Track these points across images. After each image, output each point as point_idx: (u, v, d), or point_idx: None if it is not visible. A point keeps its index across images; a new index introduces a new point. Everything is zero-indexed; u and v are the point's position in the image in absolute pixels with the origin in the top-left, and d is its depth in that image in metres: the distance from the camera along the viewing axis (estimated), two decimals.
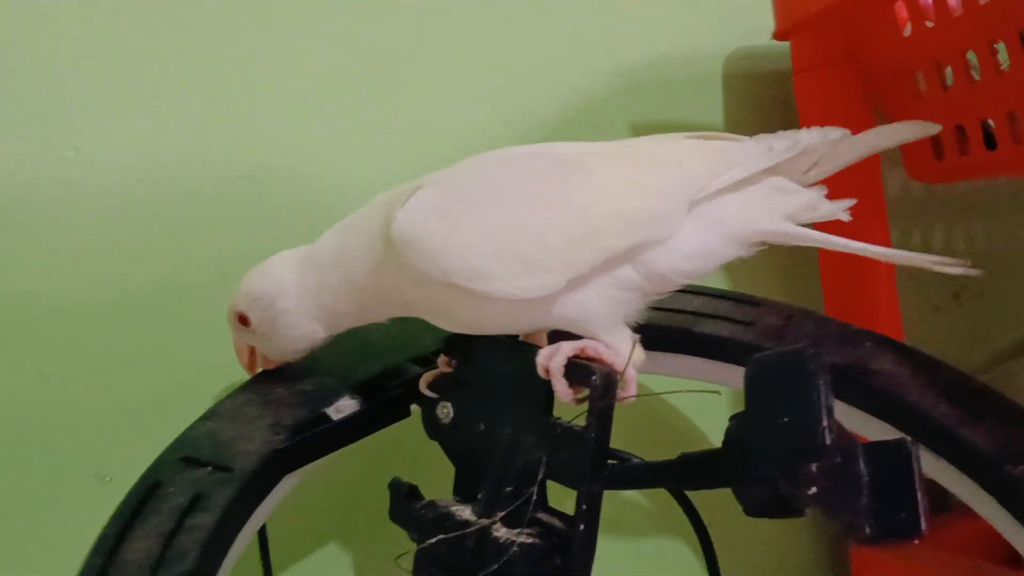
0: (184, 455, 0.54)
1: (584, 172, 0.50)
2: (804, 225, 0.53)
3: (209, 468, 0.53)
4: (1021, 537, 0.55)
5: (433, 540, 0.50)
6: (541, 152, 0.53)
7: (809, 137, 0.54)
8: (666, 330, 0.65)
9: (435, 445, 0.56)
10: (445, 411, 0.55)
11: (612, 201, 0.49)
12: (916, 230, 0.95)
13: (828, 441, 0.37)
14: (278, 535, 0.67)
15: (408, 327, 0.65)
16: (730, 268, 0.83)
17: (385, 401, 0.60)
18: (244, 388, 0.60)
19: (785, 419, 0.38)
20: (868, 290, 0.82)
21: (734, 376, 0.65)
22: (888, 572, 0.75)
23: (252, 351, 0.60)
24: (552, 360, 0.49)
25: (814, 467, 0.39)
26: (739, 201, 0.52)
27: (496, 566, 0.47)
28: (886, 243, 0.83)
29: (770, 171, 0.53)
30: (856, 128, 0.57)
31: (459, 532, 0.49)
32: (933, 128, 0.61)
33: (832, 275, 0.83)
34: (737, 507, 0.44)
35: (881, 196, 0.83)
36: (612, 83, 0.84)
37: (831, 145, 0.54)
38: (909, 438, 0.44)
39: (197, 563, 0.48)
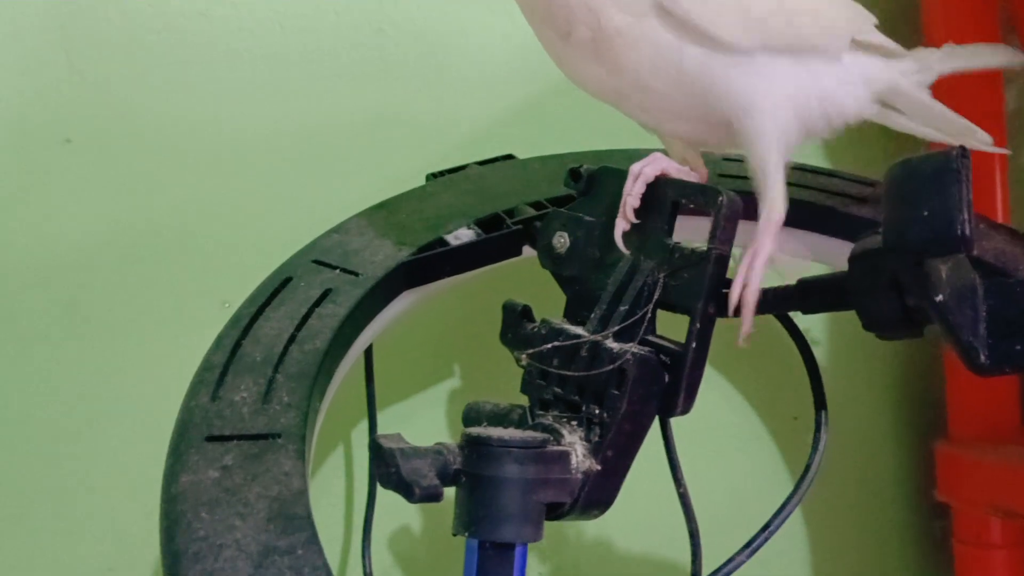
0: (315, 258, 0.57)
1: None
2: None
3: (338, 271, 0.56)
4: None
5: (548, 346, 0.52)
6: None
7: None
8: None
9: (543, 292, 0.58)
10: (562, 240, 0.57)
11: None
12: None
13: (967, 231, 0.38)
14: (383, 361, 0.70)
15: (527, 175, 0.67)
16: None
17: (499, 237, 0.62)
18: (371, 210, 0.63)
19: (926, 213, 0.39)
20: None
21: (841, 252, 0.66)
22: None
23: None
24: (746, 294, 0.50)
25: (944, 269, 0.40)
26: (871, 56, 0.56)
27: (609, 369, 0.49)
28: (1003, 157, 0.82)
29: None
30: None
31: (573, 342, 0.51)
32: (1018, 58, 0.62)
33: None
34: None
35: (1001, 108, 0.82)
36: None
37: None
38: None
39: (328, 344, 0.51)
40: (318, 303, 0.54)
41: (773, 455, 0.86)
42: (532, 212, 0.63)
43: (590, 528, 0.80)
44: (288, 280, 0.56)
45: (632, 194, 0.53)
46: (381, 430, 0.76)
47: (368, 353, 0.66)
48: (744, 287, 0.50)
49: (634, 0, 0.49)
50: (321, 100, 0.76)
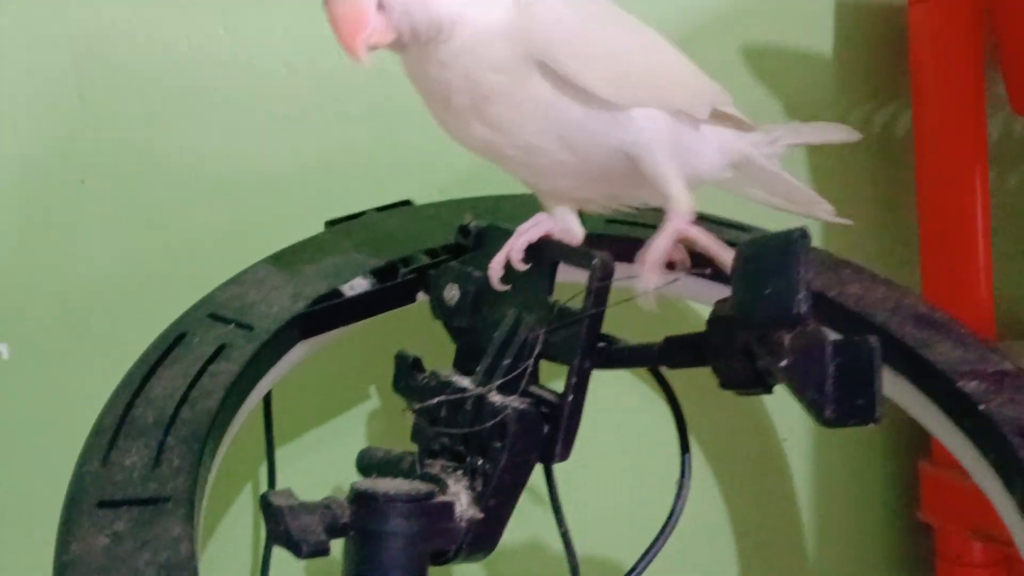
0: (210, 312, 0.59)
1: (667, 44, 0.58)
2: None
3: (233, 325, 0.58)
4: (966, 451, 0.60)
5: (435, 401, 0.54)
6: None
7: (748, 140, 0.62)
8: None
9: (434, 334, 0.61)
10: (452, 293, 0.60)
11: (688, 67, 0.59)
12: (1014, 172, 0.97)
13: (803, 310, 0.42)
14: (281, 407, 0.72)
15: (424, 222, 0.70)
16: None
17: (395, 285, 0.64)
18: (270, 259, 0.65)
19: (768, 291, 0.43)
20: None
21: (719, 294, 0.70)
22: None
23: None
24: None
25: (788, 339, 0.44)
26: (725, 128, 0.61)
27: (491, 424, 0.52)
28: (984, 182, 0.84)
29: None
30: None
31: (458, 396, 0.54)
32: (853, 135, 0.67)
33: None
34: None
35: (984, 136, 0.84)
36: (723, 8, 0.86)
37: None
38: (874, 336, 0.49)
39: (220, 403, 0.53)
40: (211, 360, 0.55)
41: (763, 475, 0.90)
42: (427, 260, 0.66)
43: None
44: (182, 336, 0.57)
45: (515, 249, 0.56)
46: (289, 460, 0.78)
47: (267, 400, 0.68)
48: (649, 250, 0.53)
49: (513, 62, 0.52)
50: (328, 136, 0.78)
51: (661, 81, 0.56)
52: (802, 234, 0.44)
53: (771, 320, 0.43)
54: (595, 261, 0.53)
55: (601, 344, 0.55)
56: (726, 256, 0.53)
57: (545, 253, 0.55)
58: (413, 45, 0.51)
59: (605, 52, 0.54)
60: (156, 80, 0.75)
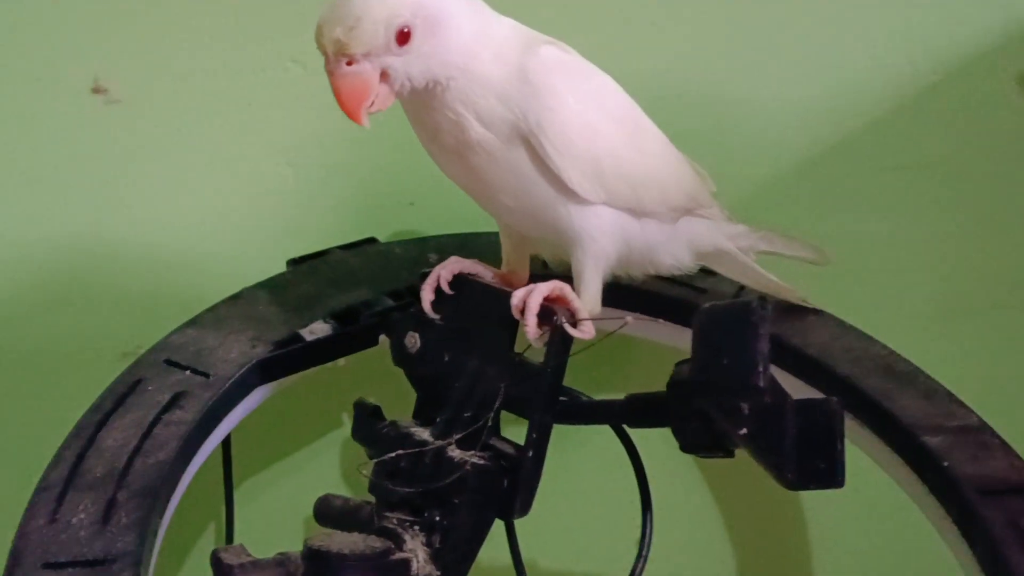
0: (167, 358, 0.58)
1: (657, 140, 0.59)
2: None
3: (189, 371, 0.57)
4: (928, 502, 0.60)
5: (393, 454, 0.53)
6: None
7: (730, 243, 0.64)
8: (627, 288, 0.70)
9: (398, 377, 0.60)
10: (413, 341, 0.59)
11: (671, 169, 0.59)
12: None
13: (761, 383, 0.42)
14: (240, 450, 0.71)
15: (388, 262, 0.69)
16: None
17: (356, 329, 0.63)
18: (229, 300, 0.64)
19: (726, 361, 0.43)
20: None
21: (681, 337, 0.70)
22: None
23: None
24: (530, 298, 0.53)
25: (746, 407, 0.44)
26: (704, 221, 0.63)
27: (449, 480, 0.51)
28: None
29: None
30: None
31: (417, 449, 0.53)
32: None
33: None
34: None
35: None
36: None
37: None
38: (836, 398, 0.49)
39: (174, 454, 0.52)
40: (167, 409, 0.54)
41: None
42: (390, 303, 0.65)
43: None
44: (138, 383, 0.56)
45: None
46: (250, 494, 0.77)
47: (226, 444, 0.67)
48: (528, 296, 0.53)
49: (500, 123, 0.52)
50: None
51: (640, 187, 0.57)
52: (761, 305, 0.43)
53: (729, 391, 0.43)
54: (556, 318, 0.52)
55: (563, 398, 0.55)
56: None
57: (505, 305, 0.54)
58: (409, 97, 0.52)
59: (592, 149, 0.54)
60: None
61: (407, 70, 0.49)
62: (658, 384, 0.51)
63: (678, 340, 0.70)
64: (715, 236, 0.63)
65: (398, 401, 0.61)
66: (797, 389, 0.65)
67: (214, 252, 0.75)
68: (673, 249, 0.61)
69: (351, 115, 0.49)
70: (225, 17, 0.73)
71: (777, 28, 0.79)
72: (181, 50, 0.73)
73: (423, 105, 0.52)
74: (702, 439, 0.47)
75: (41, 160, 0.74)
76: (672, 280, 0.70)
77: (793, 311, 0.69)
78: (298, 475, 0.79)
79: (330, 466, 0.79)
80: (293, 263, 0.70)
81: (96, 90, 0.72)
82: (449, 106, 0.51)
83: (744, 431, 0.45)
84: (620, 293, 0.63)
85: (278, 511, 0.77)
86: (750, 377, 0.42)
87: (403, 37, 0.48)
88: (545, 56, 0.53)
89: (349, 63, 0.48)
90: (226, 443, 0.67)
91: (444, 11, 0.50)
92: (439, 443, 0.54)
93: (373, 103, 0.49)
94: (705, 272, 0.71)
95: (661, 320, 0.69)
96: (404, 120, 0.56)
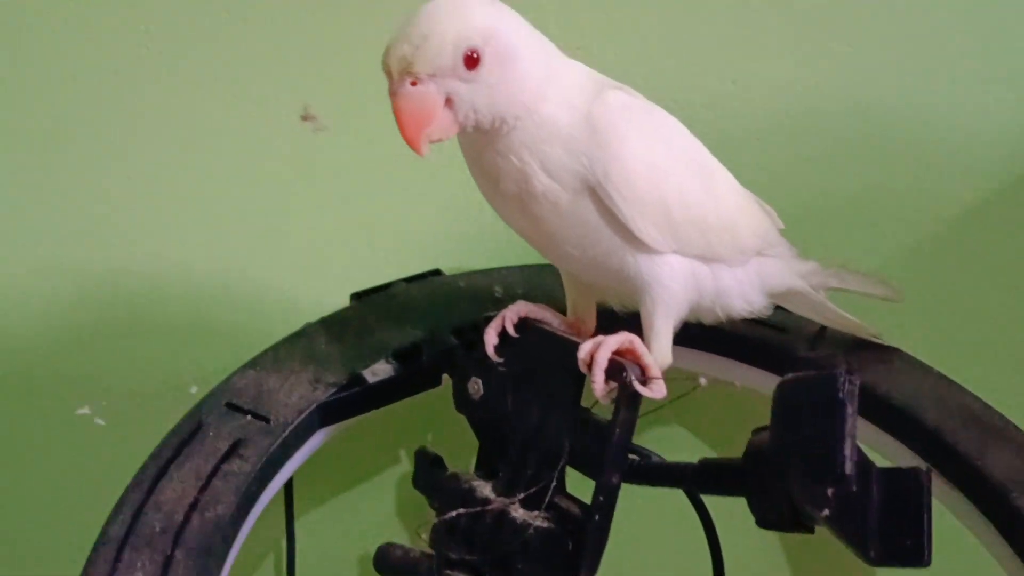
0: (228, 401, 0.57)
1: (727, 182, 0.57)
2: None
3: (249, 416, 0.56)
4: (1017, 567, 0.56)
5: (453, 513, 0.52)
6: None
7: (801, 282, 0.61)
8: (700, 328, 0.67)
9: (460, 416, 0.59)
10: (476, 387, 0.57)
11: (743, 213, 0.57)
12: None
13: (848, 471, 0.39)
14: (304, 488, 0.70)
15: (453, 296, 0.67)
16: None
17: (419, 370, 0.62)
18: (290, 339, 0.63)
19: (808, 443, 0.40)
20: None
21: (761, 380, 0.66)
22: None
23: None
24: (598, 353, 0.51)
25: (830, 491, 0.41)
26: (775, 260, 0.60)
27: (512, 545, 0.49)
28: None
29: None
30: None
31: (479, 508, 0.52)
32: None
33: None
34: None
35: None
36: None
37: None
38: (925, 467, 0.46)
39: (232, 509, 0.51)
40: (225, 458, 0.53)
41: None
42: (453, 341, 0.63)
43: None
44: (198, 428, 0.55)
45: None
46: (310, 527, 0.77)
47: (288, 488, 0.66)
48: (596, 349, 0.51)
49: (565, 172, 0.50)
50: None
51: (710, 232, 0.54)
52: (849, 379, 0.40)
53: (811, 476, 0.40)
54: (625, 374, 0.49)
55: (632, 457, 0.52)
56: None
57: (572, 360, 0.52)
58: (472, 134, 0.49)
59: (661, 196, 0.51)
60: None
61: (473, 99, 0.47)
62: (735, 432, 0.48)
63: (758, 383, 0.67)
64: (786, 275, 0.60)
65: (460, 442, 0.59)
66: (878, 440, 0.62)
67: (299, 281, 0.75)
68: (745, 292, 0.58)
69: (410, 141, 0.47)
70: None
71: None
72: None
73: (486, 147, 0.50)
74: (780, 517, 0.45)
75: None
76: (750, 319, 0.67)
77: (873, 353, 0.65)
78: (357, 512, 0.78)
79: (388, 503, 0.78)
80: (356, 297, 0.68)
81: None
82: (514, 151, 0.49)
83: (826, 512, 0.42)
84: (693, 333, 0.61)
85: (335, 547, 0.76)
86: (836, 464, 0.39)
87: (471, 61, 0.46)
88: (611, 101, 0.50)
89: (413, 83, 0.46)
90: (288, 484, 0.66)
91: (516, 46, 0.48)
92: (501, 502, 0.52)
93: (434, 130, 0.47)
94: (783, 309, 0.68)
95: (740, 362, 0.67)
96: None
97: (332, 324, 0.65)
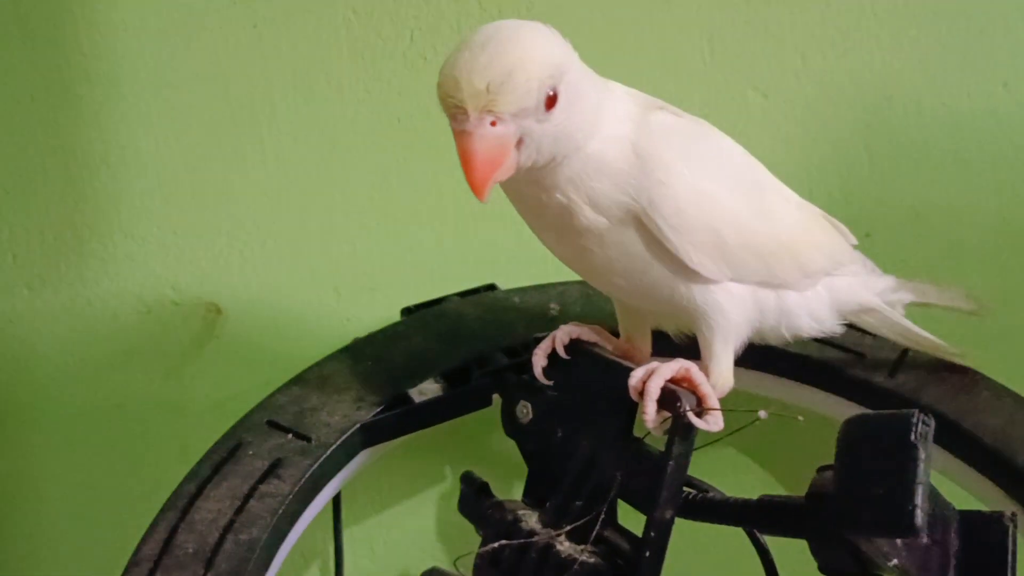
0: (269, 419, 0.55)
1: (786, 200, 0.53)
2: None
3: (290, 435, 0.54)
4: None
5: (496, 544, 0.49)
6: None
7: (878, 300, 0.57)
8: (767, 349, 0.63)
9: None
10: (525, 411, 0.54)
11: (806, 233, 0.53)
12: None
13: (918, 522, 0.35)
14: (352, 503, 0.68)
15: (506, 312, 0.65)
16: None
17: (468, 390, 0.59)
18: (337, 355, 0.61)
19: (877, 490, 0.36)
20: None
21: (834, 407, 0.62)
22: None
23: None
24: (650, 382, 0.47)
25: (900, 541, 0.37)
26: (847, 277, 0.56)
27: None
28: None
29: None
30: None
31: (523, 540, 0.49)
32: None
33: None
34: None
35: None
36: None
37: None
38: (1010, 512, 0.42)
39: (267, 532, 0.49)
40: (263, 478, 0.52)
41: None
42: (504, 360, 0.61)
43: None
44: (238, 446, 0.54)
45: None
46: (355, 541, 0.75)
47: (336, 502, 0.64)
48: (649, 377, 0.47)
49: (613, 206, 0.46)
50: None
51: (770, 257, 0.50)
52: (923, 420, 0.36)
53: (878, 525, 0.36)
54: (679, 404, 0.46)
55: (687, 490, 0.49)
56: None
57: (622, 386, 0.49)
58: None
59: (712, 222, 0.47)
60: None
61: (541, 138, 0.43)
62: (803, 465, 0.45)
63: (828, 408, 0.63)
64: (860, 293, 0.56)
65: (511, 462, 0.56)
66: (963, 475, 0.57)
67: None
68: (813, 311, 0.54)
69: (478, 186, 0.42)
70: None
71: None
72: None
73: (529, 184, 0.46)
74: (844, 564, 0.41)
75: None
76: (820, 340, 0.63)
77: (958, 381, 0.60)
78: (403, 527, 0.76)
79: (431, 519, 0.76)
80: (407, 312, 0.66)
81: None
82: (560, 187, 0.46)
83: (895, 562, 0.38)
84: (758, 354, 0.57)
85: (381, 561, 0.74)
86: (905, 515, 0.35)
87: (551, 101, 0.42)
88: (654, 124, 0.47)
89: (492, 123, 0.42)
90: (336, 498, 0.64)
91: (582, 82, 0.45)
92: (547, 534, 0.49)
93: (501, 175, 0.43)
94: (858, 329, 0.63)
95: (815, 388, 0.63)
96: None
97: (380, 340, 0.63)
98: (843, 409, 0.62)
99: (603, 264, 0.48)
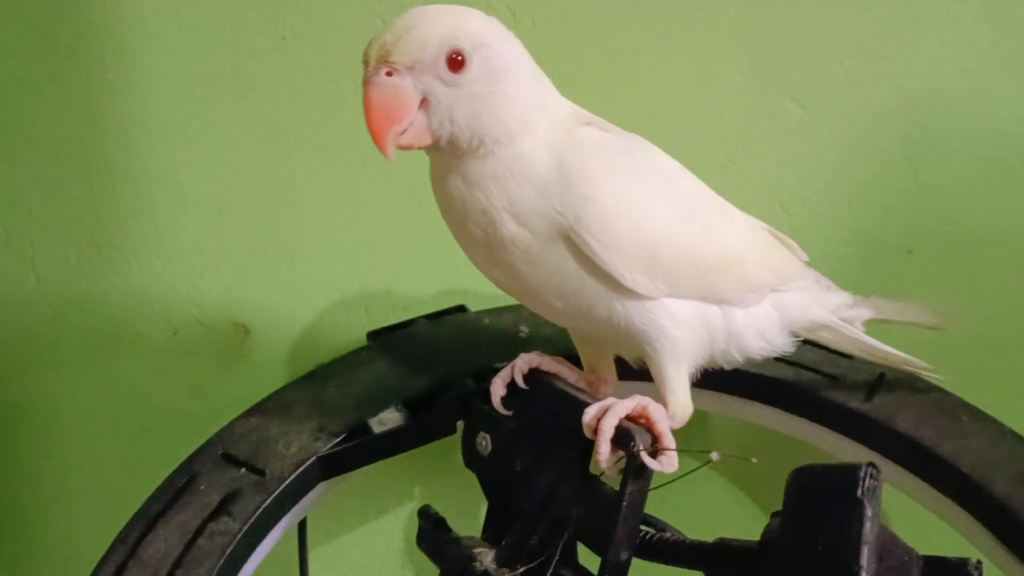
0: (224, 451, 0.54)
1: (727, 216, 0.51)
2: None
3: (244, 469, 0.53)
4: None
5: None
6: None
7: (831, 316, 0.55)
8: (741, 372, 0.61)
9: None
10: (484, 443, 0.53)
11: (748, 247, 0.51)
12: None
13: None
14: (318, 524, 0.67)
15: (475, 334, 0.63)
16: None
17: (430, 418, 0.58)
18: (299, 382, 0.60)
19: (821, 546, 0.34)
20: None
21: (808, 432, 0.61)
22: None
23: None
24: (604, 420, 0.46)
25: None
26: (796, 294, 0.54)
27: None
28: None
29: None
30: None
31: None
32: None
33: None
34: None
35: None
36: None
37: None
38: (974, 560, 0.40)
39: (214, 572, 0.48)
40: (214, 515, 0.51)
41: None
42: (470, 385, 0.59)
43: None
44: (192, 479, 0.53)
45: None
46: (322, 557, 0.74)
47: (302, 527, 0.63)
48: (604, 414, 0.46)
49: (536, 218, 0.45)
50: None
51: (711, 271, 0.48)
52: (871, 474, 0.34)
53: None
54: (633, 443, 0.44)
55: (645, 529, 0.47)
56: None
57: (577, 423, 0.47)
58: (445, 151, 0.45)
59: (644, 236, 0.45)
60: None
61: (452, 106, 0.43)
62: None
63: (804, 433, 0.61)
64: (812, 309, 0.54)
65: (476, 490, 0.55)
66: (940, 507, 0.55)
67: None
68: (763, 330, 0.52)
69: (377, 136, 0.42)
70: None
71: None
72: None
73: (452, 171, 0.45)
74: None
75: None
76: (795, 363, 0.61)
77: (935, 406, 0.58)
78: (366, 548, 0.75)
79: (397, 539, 0.75)
80: (373, 335, 0.65)
81: None
82: (482, 181, 0.44)
83: None
84: (732, 377, 0.55)
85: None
86: (852, 571, 0.33)
87: (455, 63, 0.42)
88: (578, 139, 0.45)
89: (388, 73, 0.42)
90: (302, 524, 0.63)
91: (508, 63, 0.44)
92: (503, 573, 0.47)
93: (405, 131, 0.42)
94: (834, 352, 0.61)
95: (785, 411, 0.61)
96: None
97: (344, 366, 0.61)
98: (820, 434, 0.61)
99: (533, 283, 0.47)
